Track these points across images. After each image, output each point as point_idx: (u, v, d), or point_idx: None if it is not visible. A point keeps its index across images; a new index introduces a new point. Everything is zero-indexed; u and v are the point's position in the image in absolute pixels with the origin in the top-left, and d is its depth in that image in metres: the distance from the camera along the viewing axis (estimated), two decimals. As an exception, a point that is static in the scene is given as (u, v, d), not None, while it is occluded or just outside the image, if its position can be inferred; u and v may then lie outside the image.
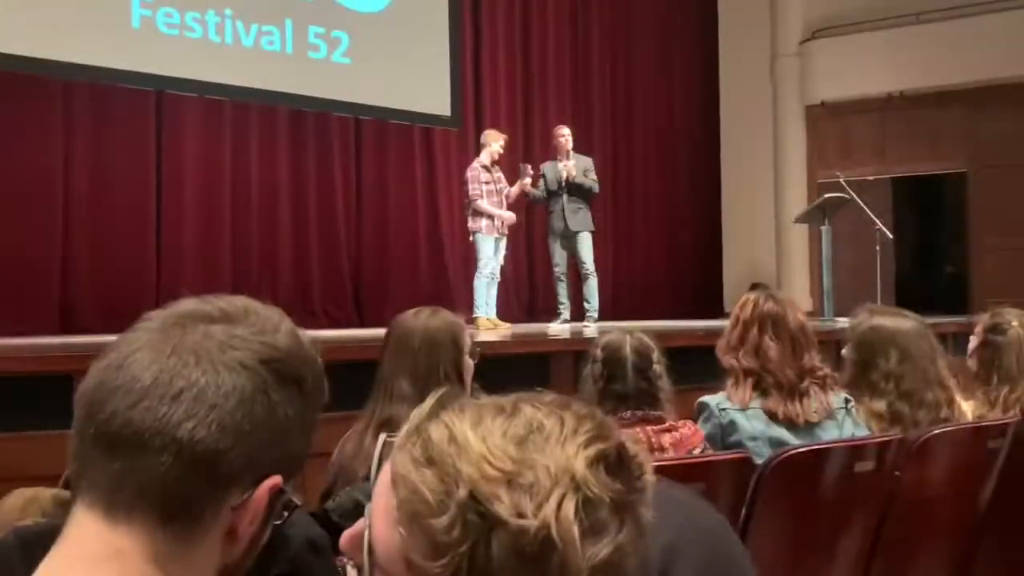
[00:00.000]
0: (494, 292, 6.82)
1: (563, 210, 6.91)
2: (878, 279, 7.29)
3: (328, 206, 7.79)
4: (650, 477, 0.65)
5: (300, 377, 0.75)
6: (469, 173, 6.71)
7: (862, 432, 2.22)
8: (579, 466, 0.61)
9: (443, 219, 8.50)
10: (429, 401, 0.70)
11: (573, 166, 6.87)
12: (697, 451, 2.06)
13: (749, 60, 10.37)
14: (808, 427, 2.16)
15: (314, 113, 7.60)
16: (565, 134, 6.98)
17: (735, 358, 2.22)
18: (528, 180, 6.79)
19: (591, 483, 0.61)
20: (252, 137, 7.33)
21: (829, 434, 2.16)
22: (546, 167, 7.13)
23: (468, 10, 8.65)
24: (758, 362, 2.18)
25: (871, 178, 9.56)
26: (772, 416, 2.16)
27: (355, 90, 7.55)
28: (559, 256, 7.04)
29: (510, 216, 6.76)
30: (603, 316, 7.28)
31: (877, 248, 7.34)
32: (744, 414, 2.17)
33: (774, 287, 9.48)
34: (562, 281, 7.08)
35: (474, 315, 6.59)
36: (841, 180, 7.26)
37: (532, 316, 9.02)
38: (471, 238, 6.73)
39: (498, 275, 6.83)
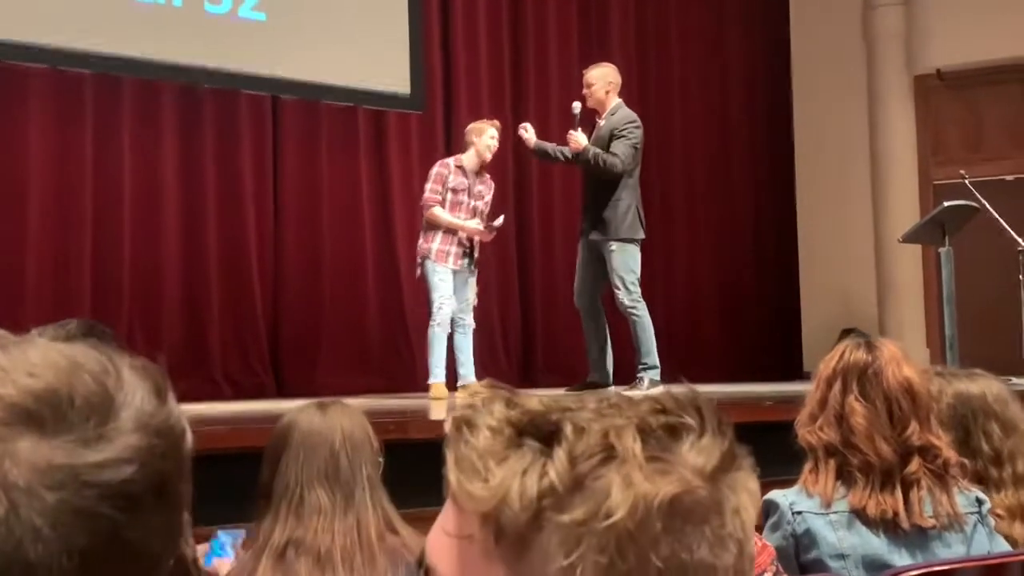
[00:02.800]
0: (469, 345, 6.78)
1: (585, 200, 6.62)
2: (1023, 322, 7.29)
3: (234, 221, 7.78)
4: None
5: (163, 483, 0.76)
6: (435, 169, 6.70)
7: (1002, 546, 2.18)
8: None
9: (399, 238, 8.50)
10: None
11: (579, 136, 6.47)
12: (767, 576, 2.04)
13: (833, 11, 10.49)
14: (919, 536, 2.11)
15: (213, 91, 7.63)
16: (591, 80, 6.62)
17: (812, 431, 2.19)
18: (492, 231, 6.75)
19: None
20: (124, 124, 7.34)
21: (953, 551, 2.10)
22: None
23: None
24: (840, 434, 2.15)
25: (1010, 177, 9.63)
26: (860, 516, 2.12)
27: (272, 58, 7.59)
28: (584, 277, 6.63)
29: (480, 230, 6.66)
30: (622, 378, 7.24)
31: (1021, 278, 7.35)
32: (826, 519, 2.13)
33: (873, 334, 9.54)
34: (592, 316, 6.66)
35: (429, 380, 6.56)
36: (967, 181, 7.30)
37: (528, 378, 8.99)
38: (418, 267, 6.68)
39: (470, 321, 6.80)
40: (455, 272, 6.58)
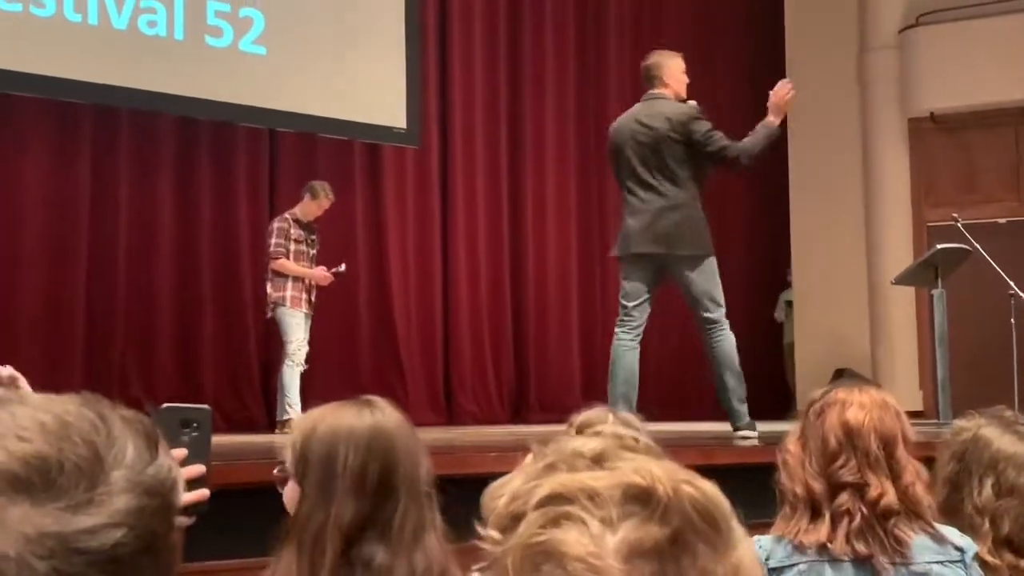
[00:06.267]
0: (297, 382, 6.95)
1: None
2: (1015, 364, 7.30)
3: (230, 255, 7.79)
4: None
5: (153, 542, 0.77)
6: (276, 224, 7.00)
7: None
8: None
9: (394, 272, 8.51)
10: None
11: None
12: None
13: (827, 56, 10.56)
14: None
15: (212, 123, 7.66)
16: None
17: (792, 477, 2.20)
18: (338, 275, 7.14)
19: None
20: (121, 156, 7.37)
21: None
22: None
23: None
24: (823, 483, 2.16)
25: (1003, 220, 9.67)
26: (835, 563, 2.10)
27: (271, 91, 7.64)
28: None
29: (326, 275, 7.01)
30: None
31: (1012, 321, 7.36)
32: (796, 569, 2.12)
33: (866, 374, 9.50)
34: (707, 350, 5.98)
35: (282, 416, 6.79)
36: (959, 224, 7.33)
37: (519, 415, 8.97)
38: (268, 313, 6.98)
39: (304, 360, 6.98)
40: (305, 315, 6.99)
